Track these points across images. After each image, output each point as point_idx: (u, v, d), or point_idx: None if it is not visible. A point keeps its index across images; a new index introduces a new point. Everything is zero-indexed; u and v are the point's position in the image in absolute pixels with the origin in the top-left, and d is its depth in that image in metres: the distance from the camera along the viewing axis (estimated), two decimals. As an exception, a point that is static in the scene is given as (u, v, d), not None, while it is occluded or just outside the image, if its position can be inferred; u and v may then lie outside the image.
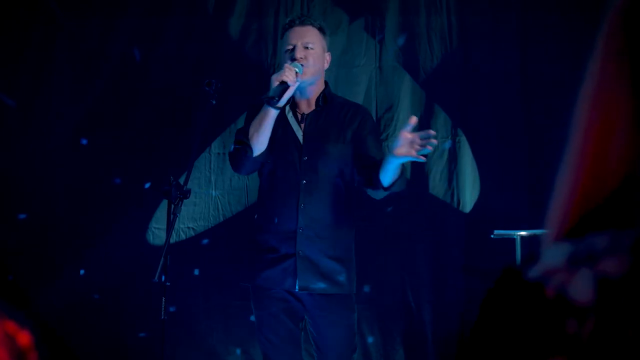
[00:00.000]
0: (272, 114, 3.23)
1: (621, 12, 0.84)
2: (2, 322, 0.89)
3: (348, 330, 3.37)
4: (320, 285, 3.30)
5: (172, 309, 3.25)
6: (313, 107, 3.42)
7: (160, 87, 4.68)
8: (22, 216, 4.59)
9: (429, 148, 3.03)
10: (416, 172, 4.58)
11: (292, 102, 3.40)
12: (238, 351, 4.55)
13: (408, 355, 4.49)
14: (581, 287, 0.76)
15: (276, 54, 4.70)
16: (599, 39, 0.87)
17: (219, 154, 4.68)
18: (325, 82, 3.49)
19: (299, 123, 3.39)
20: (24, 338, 0.91)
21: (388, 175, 3.17)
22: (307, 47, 3.34)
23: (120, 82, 4.71)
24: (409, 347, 4.49)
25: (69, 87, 4.71)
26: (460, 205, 4.55)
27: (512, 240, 4.10)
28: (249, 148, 3.27)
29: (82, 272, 4.56)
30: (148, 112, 4.68)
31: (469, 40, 4.65)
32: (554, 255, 0.80)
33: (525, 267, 0.81)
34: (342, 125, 3.39)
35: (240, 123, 4.68)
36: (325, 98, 3.42)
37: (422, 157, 3.09)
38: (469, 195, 4.55)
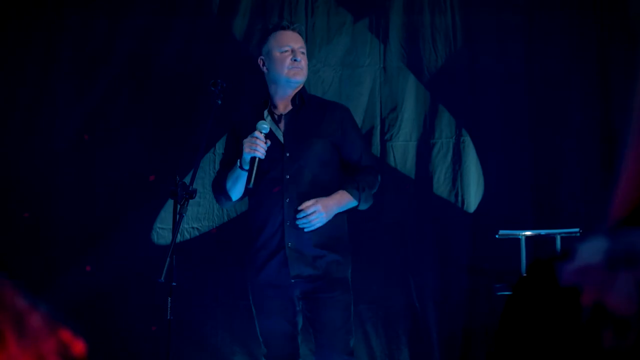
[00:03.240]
0: (245, 175, 3.47)
1: None
2: (57, 330, 0.89)
3: (343, 311, 3.49)
4: (311, 272, 3.46)
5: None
6: (290, 107, 3.60)
7: (165, 87, 4.68)
8: (25, 215, 4.59)
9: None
10: (420, 172, 4.58)
11: (271, 104, 3.63)
12: (242, 351, 4.55)
13: (413, 355, 4.48)
14: (622, 296, 0.69)
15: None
16: None
17: (223, 154, 4.68)
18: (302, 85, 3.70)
19: (277, 123, 3.57)
20: (79, 347, 0.90)
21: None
22: (302, 52, 3.59)
23: (125, 82, 4.71)
24: (413, 347, 4.49)
25: (73, 87, 4.71)
26: (465, 205, 4.55)
27: (517, 240, 4.10)
28: (228, 197, 3.57)
29: (85, 271, 4.57)
30: (153, 112, 4.68)
31: (473, 40, 4.65)
32: (590, 253, 0.73)
33: (559, 264, 0.75)
34: (321, 121, 3.58)
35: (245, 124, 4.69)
36: (302, 98, 3.60)
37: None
38: (473, 195, 4.55)
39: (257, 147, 3.35)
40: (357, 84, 4.64)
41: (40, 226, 4.62)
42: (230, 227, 4.64)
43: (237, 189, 3.53)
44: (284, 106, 3.59)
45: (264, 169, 3.47)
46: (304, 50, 3.62)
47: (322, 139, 3.53)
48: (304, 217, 3.42)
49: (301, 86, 3.64)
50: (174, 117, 4.68)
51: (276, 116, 3.57)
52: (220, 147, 4.68)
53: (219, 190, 3.60)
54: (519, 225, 4.20)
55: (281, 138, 3.53)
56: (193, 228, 4.63)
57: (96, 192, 4.64)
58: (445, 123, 4.62)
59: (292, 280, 3.45)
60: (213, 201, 4.64)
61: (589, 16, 4.54)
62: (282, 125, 3.56)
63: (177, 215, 3.23)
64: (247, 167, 3.39)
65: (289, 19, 4.71)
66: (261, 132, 3.39)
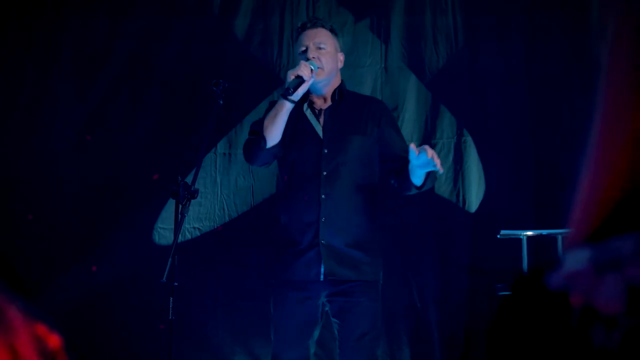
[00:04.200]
0: (287, 106, 3.33)
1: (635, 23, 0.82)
2: (32, 324, 0.89)
3: (372, 317, 3.40)
4: (345, 272, 3.37)
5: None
6: (329, 103, 3.52)
7: (167, 87, 4.68)
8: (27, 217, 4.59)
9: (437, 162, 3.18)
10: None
11: (309, 100, 3.53)
12: (243, 351, 4.55)
13: (414, 355, 4.48)
14: (610, 295, 0.72)
15: (282, 54, 4.70)
16: (607, 49, 0.85)
17: (224, 154, 4.68)
18: (341, 80, 3.59)
19: (317, 118, 3.50)
20: (55, 341, 0.90)
21: (420, 178, 3.32)
22: (319, 48, 3.46)
23: (125, 82, 4.71)
24: (414, 347, 4.49)
25: (74, 87, 4.72)
26: (466, 205, 4.55)
27: (518, 240, 4.10)
28: (262, 139, 3.36)
29: (86, 271, 4.57)
30: (154, 112, 4.68)
31: (474, 40, 4.65)
32: (576, 260, 0.76)
33: (546, 273, 0.78)
34: (360, 117, 3.51)
35: (246, 124, 4.69)
36: (341, 93, 3.53)
37: (439, 168, 3.19)
38: (474, 195, 4.55)
39: (302, 69, 3.30)
40: (358, 84, 4.63)
41: (43, 226, 4.62)
42: (231, 227, 4.64)
43: (274, 128, 3.33)
44: (321, 101, 3.53)
45: (299, 167, 3.43)
46: (323, 45, 3.46)
47: (362, 136, 3.47)
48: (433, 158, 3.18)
49: (338, 81, 3.55)
50: (174, 117, 4.68)
51: (316, 110, 3.52)
52: (221, 147, 4.68)
53: (253, 139, 3.41)
54: (520, 225, 4.20)
55: (320, 133, 3.47)
56: (194, 228, 4.63)
57: (97, 193, 4.64)
58: (447, 123, 4.62)
59: (322, 278, 3.35)
60: (214, 201, 4.64)
61: (590, 15, 4.53)
62: (321, 120, 3.50)
63: (179, 215, 3.22)
64: (290, 90, 3.28)
65: (290, 19, 4.71)
66: (308, 64, 3.34)
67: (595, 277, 0.74)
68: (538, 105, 4.57)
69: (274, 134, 3.35)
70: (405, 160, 3.33)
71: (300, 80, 3.28)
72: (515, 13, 4.63)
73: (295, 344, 3.39)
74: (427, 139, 4.59)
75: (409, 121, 4.63)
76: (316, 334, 3.44)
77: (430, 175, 3.34)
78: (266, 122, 3.35)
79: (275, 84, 4.67)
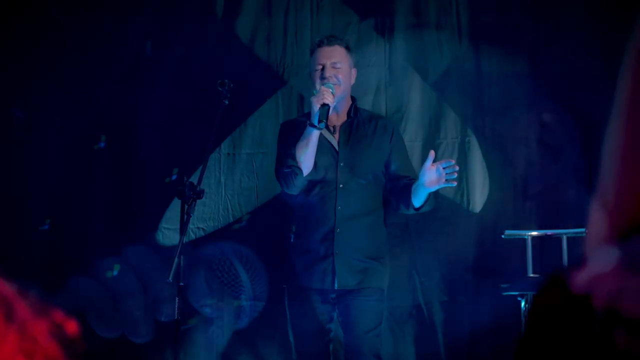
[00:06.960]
0: (317, 134, 3.46)
1: None
2: (49, 311, 0.90)
3: (374, 315, 3.53)
4: (356, 280, 3.50)
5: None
6: (343, 119, 3.65)
7: (172, 88, 4.68)
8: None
9: (454, 179, 3.39)
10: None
11: None
12: (248, 351, 4.55)
13: (419, 355, 4.48)
14: (636, 299, 0.71)
15: (285, 54, 4.69)
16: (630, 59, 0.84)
17: (228, 154, 4.68)
18: (352, 97, 3.71)
19: (332, 133, 3.61)
20: (72, 326, 0.91)
21: (420, 199, 3.49)
22: (335, 67, 3.57)
23: (131, 84, 4.71)
24: (419, 347, 4.49)
25: (80, 89, 4.72)
26: (470, 206, 4.54)
27: (522, 241, 4.10)
28: (299, 170, 3.48)
29: (92, 272, 4.57)
30: (159, 113, 4.68)
31: (478, 40, 4.64)
32: (602, 261, 0.75)
33: (572, 273, 0.76)
34: (374, 133, 3.64)
35: (250, 123, 4.69)
36: (356, 111, 3.66)
37: (453, 183, 3.43)
38: (479, 196, 4.54)
39: (325, 96, 3.40)
40: (362, 84, 4.60)
41: (53, 230, 4.63)
42: (235, 227, 4.64)
43: (308, 157, 3.46)
44: (336, 117, 3.63)
45: (317, 176, 3.52)
46: (339, 64, 3.57)
47: (375, 151, 3.59)
48: (451, 167, 3.36)
49: (349, 99, 3.65)
50: (180, 118, 4.68)
51: (331, 127, 3.61)
52: (225, 147, 4.68)
53: (288, 169, 3.51)
54: (525, 225, 4.20)
55: (336, 147, 3.59)
56: (198, 228, 4.63)
57: (101, 193, 4.65)
58: (451, 123, 4.61)
59: (336, 287, 3.48)
60: (218, 201, 4.64)
61: (595, 14, 4.53)
62: (337, 135, 3.61)
63: (185, 216, 3.22)
64: (315, 121, 3.40)
65: (294, 19, 4.71)
66: (327, 88, 3.45)
67: (622, 278, 0.72)
68: (542, 104, 4.57)
69: (309, 163, 3.48)
70: (406, 180, 3.52)
71: (327, 108, 3.40)
72: (519, 12, 4.62)
73: (316, 341, 3.52)
74: (431, 139, 4.59)
75: (412, 121, 4.62)
76: (332, 333, 3.57)
77: (429, 200, 3.50)
78: (299, 154, 3.47)
79: (278, 84, 4.67)
